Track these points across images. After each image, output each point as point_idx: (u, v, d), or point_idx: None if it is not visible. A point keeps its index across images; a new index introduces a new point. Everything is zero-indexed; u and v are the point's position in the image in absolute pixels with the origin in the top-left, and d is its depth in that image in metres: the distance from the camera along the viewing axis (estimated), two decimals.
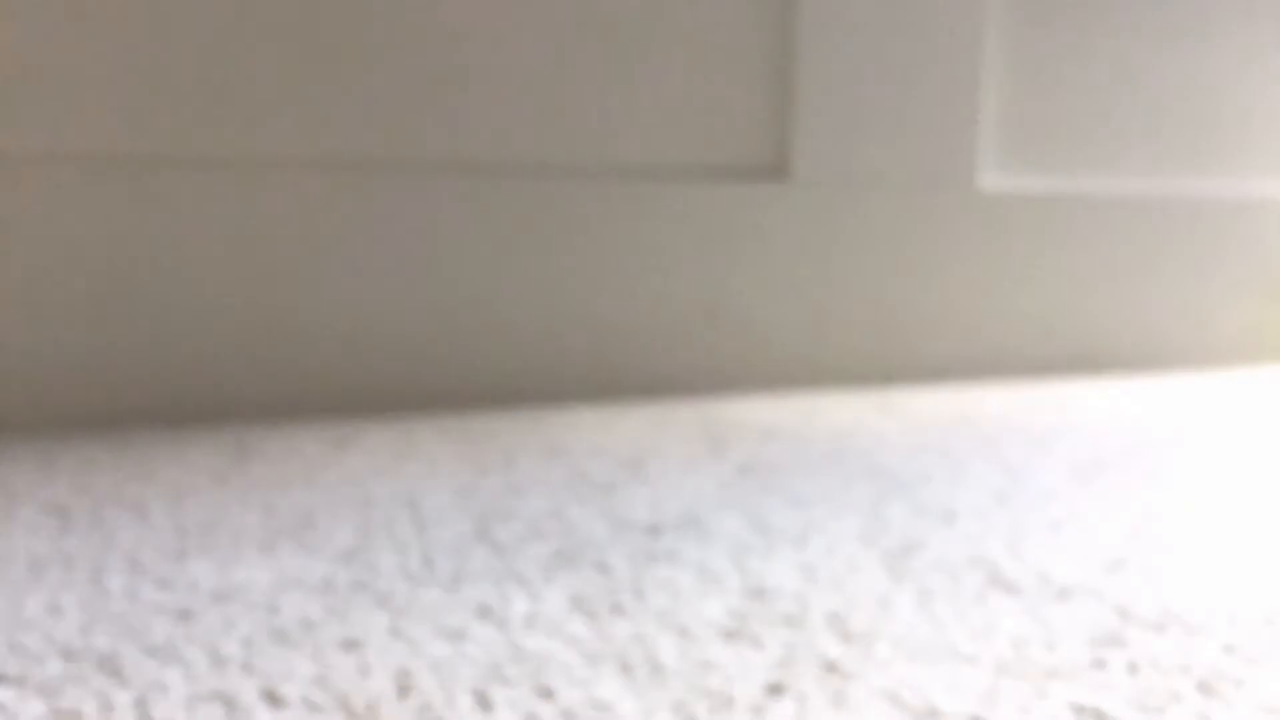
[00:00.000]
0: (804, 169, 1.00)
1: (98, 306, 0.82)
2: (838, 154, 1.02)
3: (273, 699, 0.39)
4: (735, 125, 0.99)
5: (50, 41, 0.80)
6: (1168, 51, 1.16)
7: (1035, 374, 1.11)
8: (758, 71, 0.99)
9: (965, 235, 1.07)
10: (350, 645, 0.43)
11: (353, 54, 0.87)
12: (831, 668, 0.42)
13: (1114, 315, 1.14)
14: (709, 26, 0.97)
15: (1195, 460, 0.77)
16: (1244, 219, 1.20)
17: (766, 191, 0.99)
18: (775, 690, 0.40)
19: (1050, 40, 1.11)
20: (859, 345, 1.04)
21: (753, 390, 1.00)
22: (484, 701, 0.39)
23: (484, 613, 0.47)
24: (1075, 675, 0.41)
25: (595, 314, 0.95)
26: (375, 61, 0.88)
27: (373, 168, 0.88)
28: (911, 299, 1.06)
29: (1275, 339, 1.23)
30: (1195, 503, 0.66)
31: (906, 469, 0.73)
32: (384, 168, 0.88)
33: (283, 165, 0.86)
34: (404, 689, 0.40)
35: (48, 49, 0.80)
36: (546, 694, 0.39)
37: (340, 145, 0.87)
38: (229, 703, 0.39)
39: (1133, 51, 1.14)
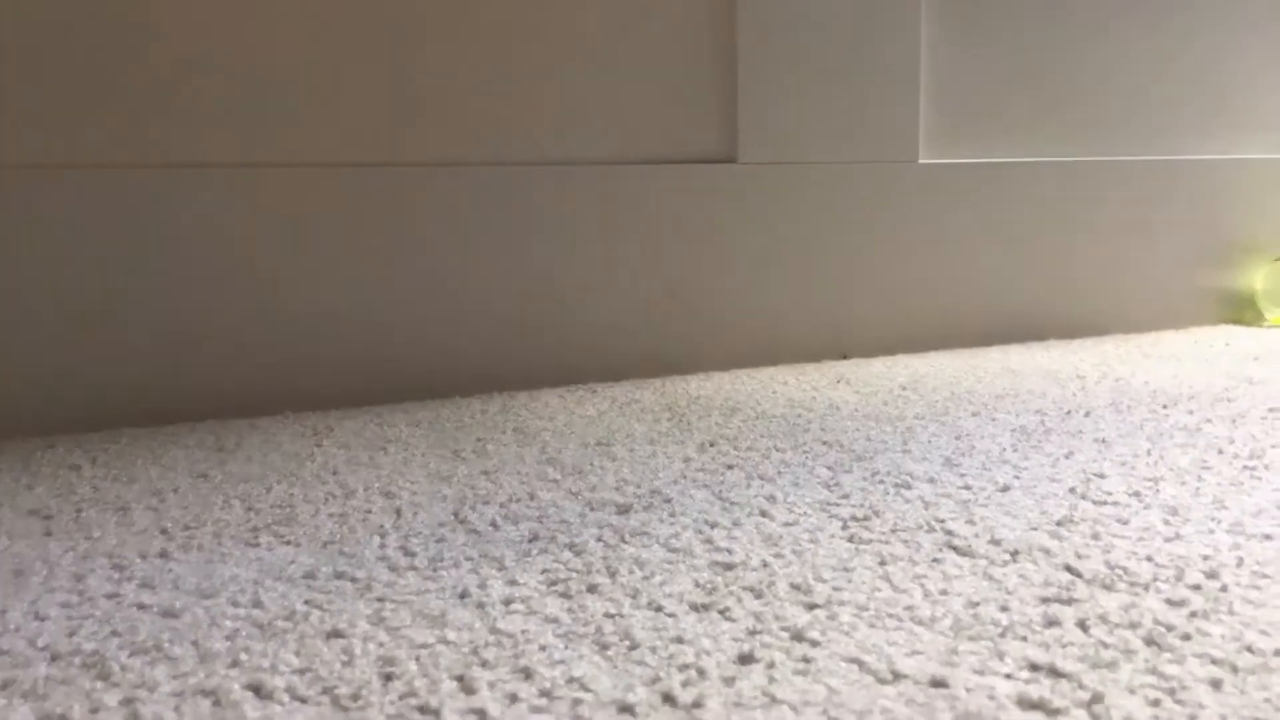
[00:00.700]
0: (752, 153, 1.01)
1: (73, 310, 0.81)
2: (784, 139, 1.03)
3: (259, 692, 0.40)
4: (688, 118, 1.00)
5: (36, 50, 0.79)
6: (1096, 29, 1.18)
7: (980, 342, 1.13)
8: (706, 69, 1.00)
9: (908, 209, 1.09)
10: (334, 635, 0.44)
11: (327, 62, 0.87)
12: (798, 636, 0.43)
13: (1055, 282, 1.17)
14: (662, 28, 0.98)
15: (1135, 421, 0.79)
16: (1181, 184, 1.22)
17: (717, 174, 1.00)
18: (745, 660, 0.41)
19: (983, 22, 1.12)
20: (813, 320, 1.05)
21: (713, 368, 1.01)
22: (466, 685, 0.40)
23: (463, 597, 0.48)
24: (1029, 634, 0.43)
25: (559, 301, 0.96)
26: (347, 69, 0.88)
27: (339, 167, 0.88)
28: (861, 273, 1.07)
29: (1213, 301, 1.26)
30: (1136, 462, 0.68)
31: (861, 438, 0.75)
32: (350, 166, 0.89)
33: (247, 168, 0.86)
34: (388, 676, 0.41)
35: (34, 58, 0.79)
36: (526, 675, 0.41)
37: (308, 147, 0.87)
38: (216, 698, 0.39)
39: (1066, 29, 1.16)
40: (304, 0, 0.86)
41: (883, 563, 0.51)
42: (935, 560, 0.51)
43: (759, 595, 0.48)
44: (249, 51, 0.85)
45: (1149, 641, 0.42)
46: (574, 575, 0.50)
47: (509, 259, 0.94)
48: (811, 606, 0.46)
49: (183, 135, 0.84)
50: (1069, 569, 0.50)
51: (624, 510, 0.60)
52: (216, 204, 0.85)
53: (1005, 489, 0.62)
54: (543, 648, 0.43)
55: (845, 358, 1.06)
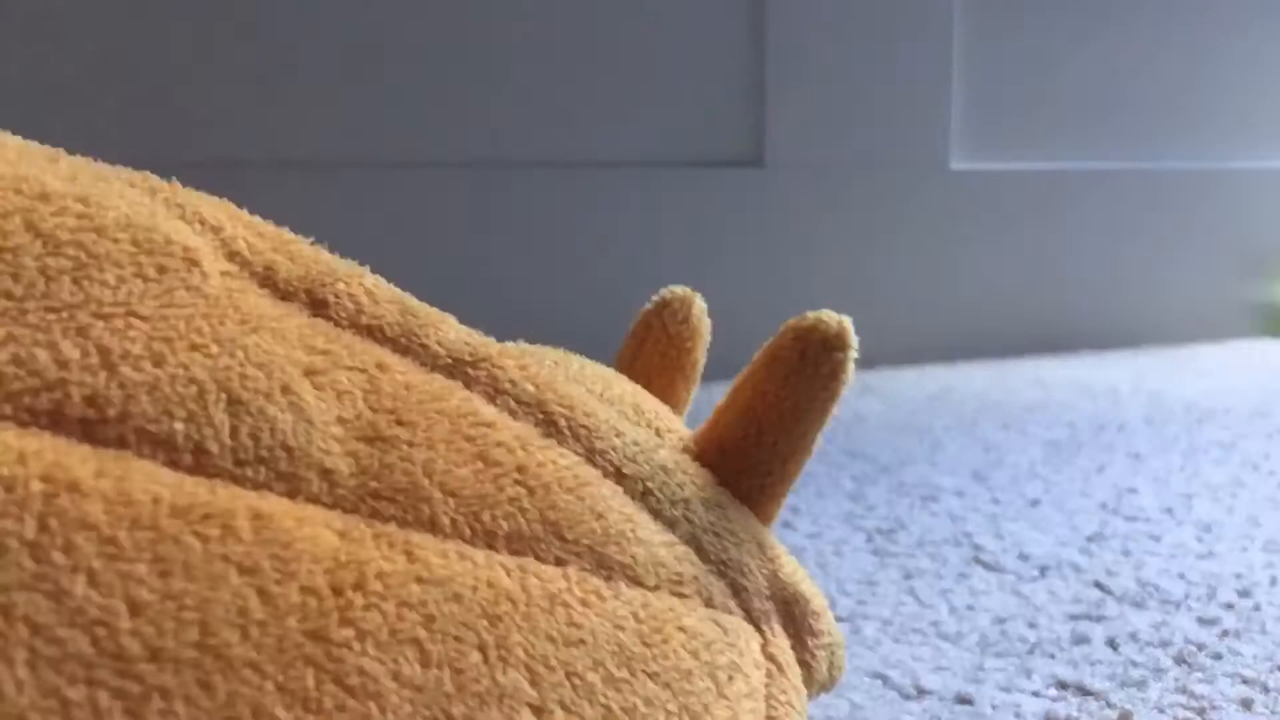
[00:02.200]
0: (780, 157, 1.01)
1: None
2: (813, 142, 1.02)
3: None
4: (714, 120, 0.99)
5: (58, 53, 0.80)
6: (1131, 35, 1.17)
7: (1010, 353, 1.12)
8: (733, 70, 0.99)
9: (939, 216, 1.08)
10: None
11: (349, 59, 0.87)
12: None
13: (1087, 292, 1.16)
14: (688, 27, 0.97)
15: (1169, 436, 0.78)
16: (1215, 193, 1.21)
17: (744, 178, 1.00)
18: None
19: (1017, 24, 1.11)
20: None
21: (736, 375, 1.00)
22: None
23: None
24: (1058, 651, 0.43)
25: (579, 304, 0.95)
26: (372, 67, 0.88)
27: (364, 165, 0.89)
28: (889, 281, 1.07)
29: (1251, 314, 1.24)
30: (1169, 478, 0.67)
31: (888, 450, 0.74)
32: (374, 165, 0.89)
33: (273, 165, 0.86)
34: None
35: (55, 55, 0.80)
36: None
37: (333, 145, 0.88)
38: None
39: (1103, 32, 1.15)
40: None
41: (908, 577, 0.51)
42: (962, 575, 0.51)
43: None
44: (280, 52, 0.86)
45: (1179, 660, 0.42)
46: None
47: (529, 261, 0.94)
48: (835, 620, 0.46)
49: (210, 132, 0.85)
50: (1099, 586, 0.49)
51: None
52: (243, 203, 0.85)
53: (1035, 503, 0.62)
54: None
55: (871, 365, 1.05)
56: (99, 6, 0.81)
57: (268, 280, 0.24)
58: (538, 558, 0.23)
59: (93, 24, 0.81)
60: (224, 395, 0.20)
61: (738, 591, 0.27)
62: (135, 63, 0.82)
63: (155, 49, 0.82)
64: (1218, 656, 0.42)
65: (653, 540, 0.25)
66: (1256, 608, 0.46)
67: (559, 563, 0.23)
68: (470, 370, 0.26)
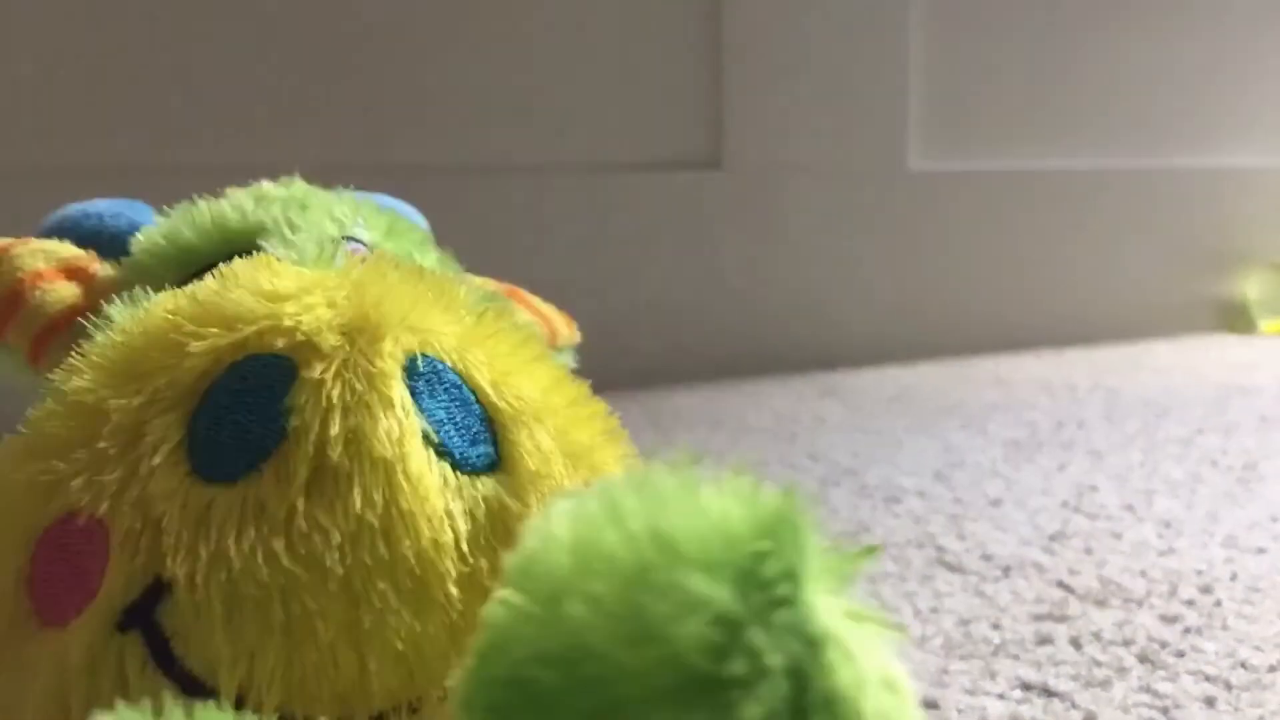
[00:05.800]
0: (738, 159, 1.01)
1: None
2: (772, 143, 1.02)
3: None
4: (672, 122, 0.99)
5: (59, 58, 0.79)
6: (1087, 34, 1.18)
7: (970, 351, 1.12)
8: (691, 72, 0.99)
9: (899, 216, 1.08)
10: None
11: (330, 68, 0.86)
12: None
13: (1045, 290, 1.16)
14: (645, 30, 0.97)
15: (1128, 433, 0.79)
16: (1172, 192, 1.22)
17: (702, 180, 1.00)
18: None
19: (973, 26, 1.12)
20: (799, 330, 1.05)
21: (697, 380, 1.00)
22: None
23: None
24: (1022, 652, 0.42)
25: None
26: (331, 74, 0.87)
27: (344, 171, 0.87)
28: (849, 282, 1.07)
29: (1204, 310, 1.26)
30: (1129, 474, 0.67)
31: (849, 452, 0.74)
32: (354, 171, 0.88)
33: (266, 170, 0.85)
34: None
35: (58, 66, 0.79)
36: None
37: (317, 150, 0.87)
38: None
39: (1059, 34, 1.16)
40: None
41: (872, 580, 0.50)
42: (926, 577, 0.51)
43: None
44: (264, 62, 0.85)
45: (1142, 659, 0.42)
46: None
47: (487, 267, 0.93)
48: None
49: (204, 138, 0.83)
50: (1062, 585, 0.49)
51: None
52: None
53: (996, 503, 0.62)
54: None
55: (832, 368, 1.05)
56: (97, 11, 0.80)
57: None
58: None
59: (90, 28, 0.80)
60: None
61: None
62: (135, 66, 0.80)
63: (151, 53, 0.81)
64: (1180, 654, 0.42)
65: None
66: (1218, 604, 0.47)
67: None
68: None
